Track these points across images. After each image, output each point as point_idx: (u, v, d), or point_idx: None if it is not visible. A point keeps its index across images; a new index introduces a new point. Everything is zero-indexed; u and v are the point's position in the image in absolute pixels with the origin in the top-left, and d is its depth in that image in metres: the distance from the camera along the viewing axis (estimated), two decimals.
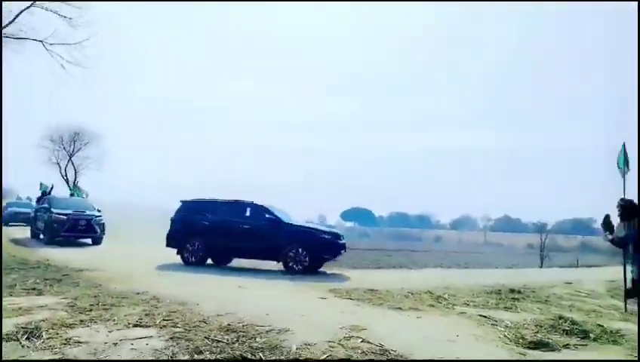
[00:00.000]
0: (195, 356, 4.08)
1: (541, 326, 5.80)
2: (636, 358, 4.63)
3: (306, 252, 10.37)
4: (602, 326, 6.05)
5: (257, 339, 4.60)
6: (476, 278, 11.26)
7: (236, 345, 4.41)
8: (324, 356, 4.13)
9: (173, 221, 11.95)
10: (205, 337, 4.62)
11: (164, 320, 5.32)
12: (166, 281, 8.71)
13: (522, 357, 4.46)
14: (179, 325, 5.09)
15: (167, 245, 11.78)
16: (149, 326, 5.04)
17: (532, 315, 6.72)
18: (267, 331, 4.91)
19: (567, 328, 5.65)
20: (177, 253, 11.53)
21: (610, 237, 6.14)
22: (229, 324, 5.13)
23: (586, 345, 5.18)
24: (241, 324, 5.16)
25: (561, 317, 6.17)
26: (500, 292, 9.00)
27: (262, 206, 11.25)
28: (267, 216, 10.97)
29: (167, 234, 11.85)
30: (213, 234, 11.10)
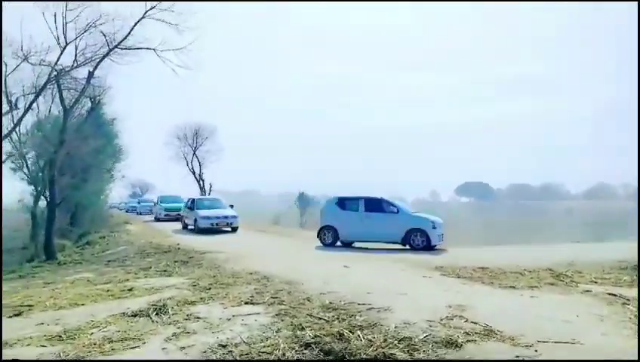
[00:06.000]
0: (298, 332, 4.27)
1: None
2: None
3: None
4: None
5: (357, 317, 4.67)
6: (609, 253, 9.98)
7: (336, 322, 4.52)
8: (424, 335, 4.03)
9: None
10: (308, 314, 4.82)
11: (271, 298, 5.67)
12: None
13: None
14: (284, 302, 5.38)
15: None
16: (259, 304, 5.42)
17: None
18: (368, 309, 4.96)
19: None
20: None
21: None
22: (330, 302, 5.29)
23: None
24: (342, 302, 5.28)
25: None
26: (637, 269, 7.92)
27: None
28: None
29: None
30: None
